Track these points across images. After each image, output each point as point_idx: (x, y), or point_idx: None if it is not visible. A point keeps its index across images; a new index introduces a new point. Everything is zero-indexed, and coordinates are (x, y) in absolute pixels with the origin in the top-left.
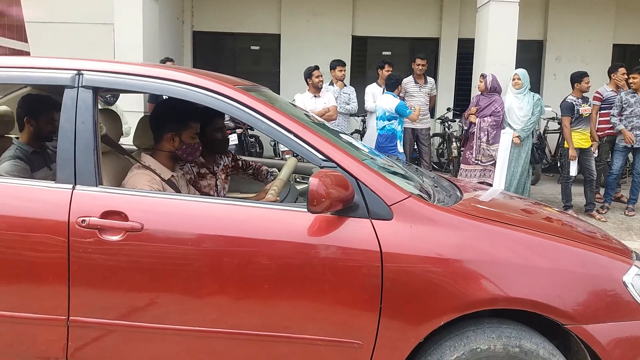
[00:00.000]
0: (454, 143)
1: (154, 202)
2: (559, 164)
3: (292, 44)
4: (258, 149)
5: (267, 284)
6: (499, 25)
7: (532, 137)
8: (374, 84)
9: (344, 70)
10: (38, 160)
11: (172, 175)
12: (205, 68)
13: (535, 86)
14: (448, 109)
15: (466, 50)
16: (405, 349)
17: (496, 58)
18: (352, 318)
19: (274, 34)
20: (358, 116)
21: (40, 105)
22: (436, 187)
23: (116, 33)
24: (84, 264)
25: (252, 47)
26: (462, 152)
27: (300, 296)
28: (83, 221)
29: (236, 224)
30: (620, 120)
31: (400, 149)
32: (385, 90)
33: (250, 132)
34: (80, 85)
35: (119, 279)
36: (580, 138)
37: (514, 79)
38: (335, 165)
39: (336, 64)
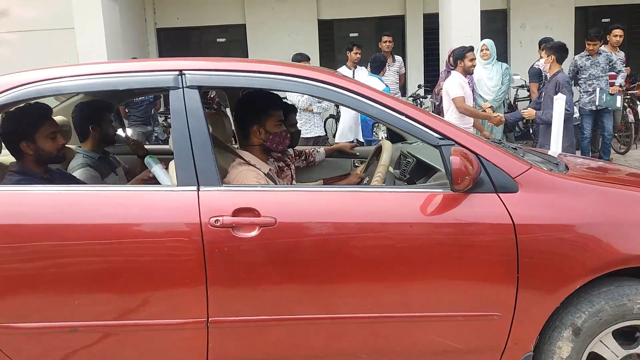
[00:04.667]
0: None
1: (282, 196)
2: (531, 131)
3: (258, 33)
4: None
5: (404, 266)
6: None
7: (504, 106)
8: (344, 66)
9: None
10: (105, 167)
11: (270, 169)
12: None
13: (502, 55)
14: (419, 86)
15: (432, 26)
16: (544, 315)
17: (461, 30)
18: (491, 291)
19: (239, 25)
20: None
21: (101, 110)
22: (537, 157)
23: (77, 36)
24: (221, 263)
25: (219, 40)
26: None
27: (439, 275)
28: (216, 221)
29: (365, 209)
30: (580, 84)
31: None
32: (370, 73)
33: None
34: (184, 85)
35: (256, 275)
36: None
37: (481, 50)
38: (453, 143)
39: (300, 58)
